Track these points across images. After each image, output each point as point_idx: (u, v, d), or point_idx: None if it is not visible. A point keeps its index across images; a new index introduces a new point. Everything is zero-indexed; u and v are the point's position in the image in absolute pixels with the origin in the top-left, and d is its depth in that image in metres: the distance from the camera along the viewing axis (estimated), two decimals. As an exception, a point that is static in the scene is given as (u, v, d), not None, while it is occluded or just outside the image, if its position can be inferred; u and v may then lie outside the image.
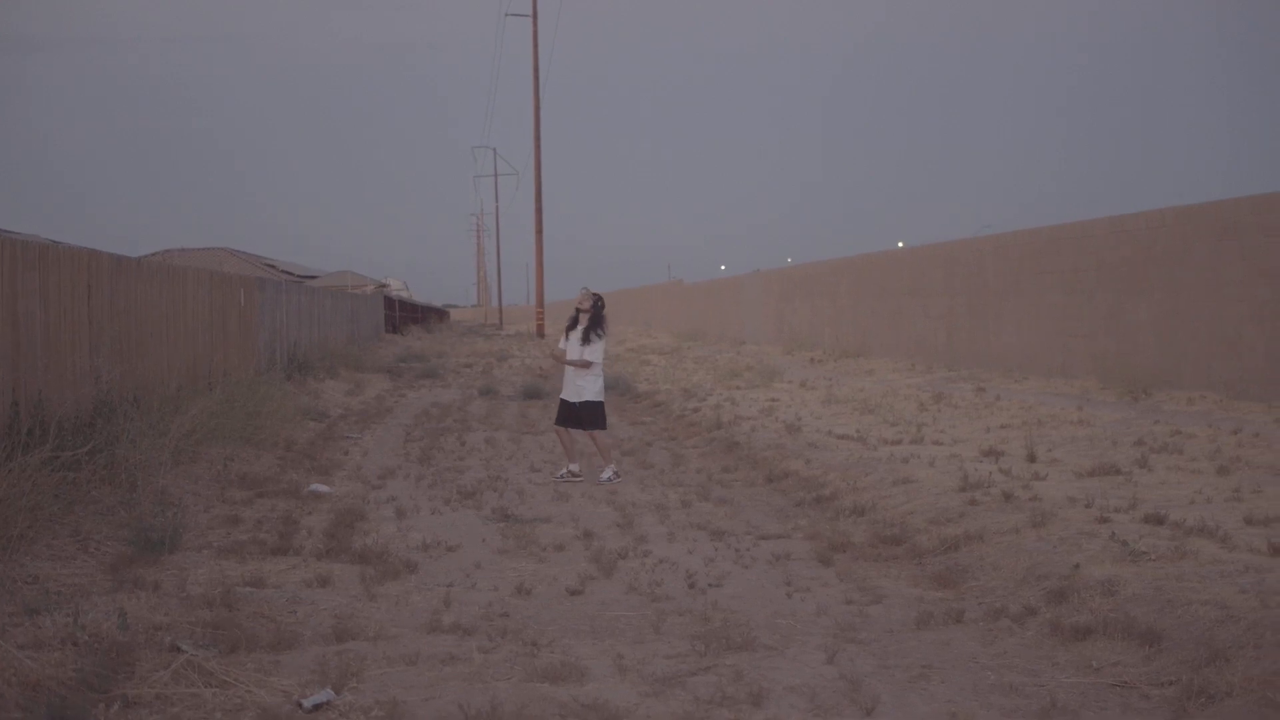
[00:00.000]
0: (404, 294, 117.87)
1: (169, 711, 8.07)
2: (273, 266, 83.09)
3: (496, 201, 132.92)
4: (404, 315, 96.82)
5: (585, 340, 19.30)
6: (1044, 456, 17.59)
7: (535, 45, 69.93)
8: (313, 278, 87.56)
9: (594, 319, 19.35)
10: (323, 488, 17.84)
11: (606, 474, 19.07)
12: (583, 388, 19.34)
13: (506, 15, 69.18)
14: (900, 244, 56.02)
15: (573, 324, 19.54)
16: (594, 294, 19.47)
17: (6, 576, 10.97)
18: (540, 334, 79.03)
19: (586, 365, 19.20)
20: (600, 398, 19.47)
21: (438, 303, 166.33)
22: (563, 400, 19.59)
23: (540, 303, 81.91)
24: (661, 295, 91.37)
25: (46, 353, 16.94)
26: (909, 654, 9.61)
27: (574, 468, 19.26)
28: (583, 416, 19.36)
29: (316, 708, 8.18)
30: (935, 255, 39.31)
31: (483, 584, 12.19)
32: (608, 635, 10.27)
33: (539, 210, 75.62)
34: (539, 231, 76.03)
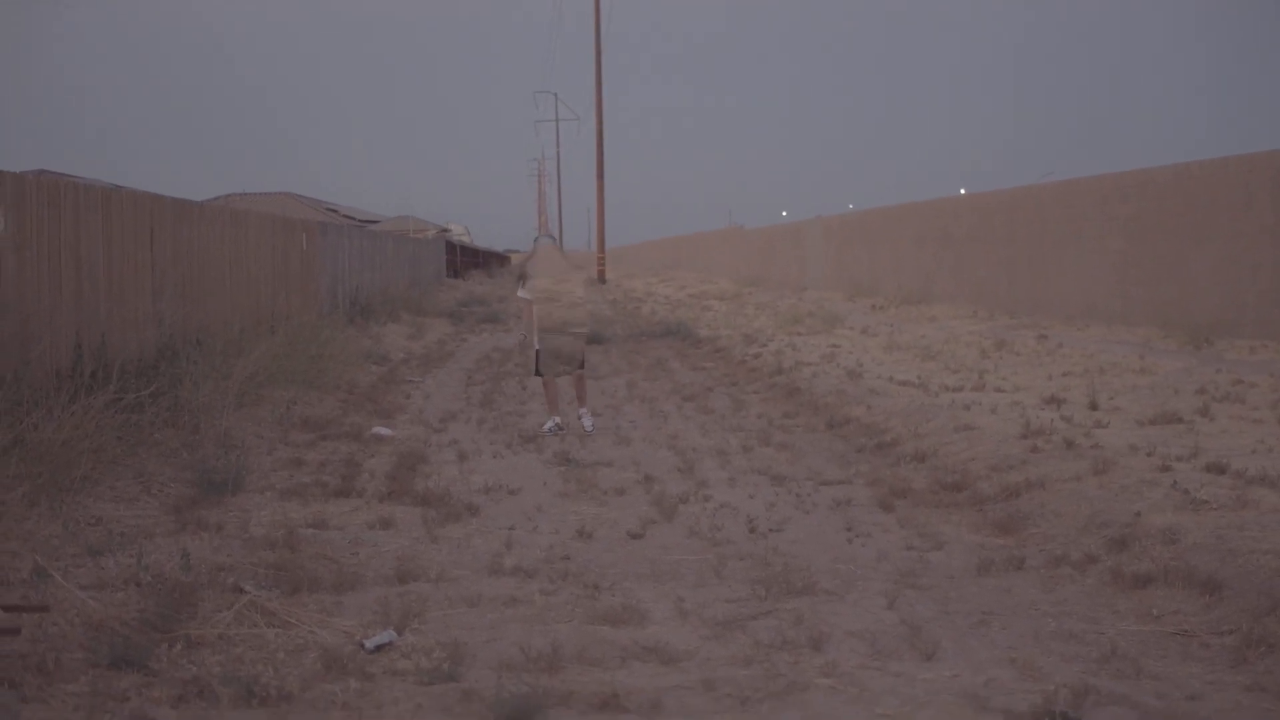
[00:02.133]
0: (465, 239, 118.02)
1: (231, 652, 8.13)
2: (334, 211, 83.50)
3: (558, 146, 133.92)
4: (465, 260, 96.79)
5: None
6: (1106, 404, 17.50)
7: (597, -11, 69.74)
8: (374, 222, 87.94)
9: None
10: (385, 431, 17.92)
11: (588, 421, 18.46)
12: None
13: (568, -42, 68.94)
14: (962, 190, 55.76)
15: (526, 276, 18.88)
16: (549, 236, 19.00)
17: (70, 518, 11.07)
18: (601, 279, 78.90)
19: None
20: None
21: (499, 247, 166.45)
22: (538, 351, 18.70)
23: (601, 247, 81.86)
24: (721, 241, 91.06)
25: (109, 297, 17.07)
26: (969, 600, 9.60)
27: (559, 420, 18.44)
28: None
29: (379, 648, 8.23)
30: (997, 201, 39.11)
31: (544, 527, 12.23)
32: (668, 579, 10.29)
33: (600, 155, 75.57)
34: (600, 176, 76.00)
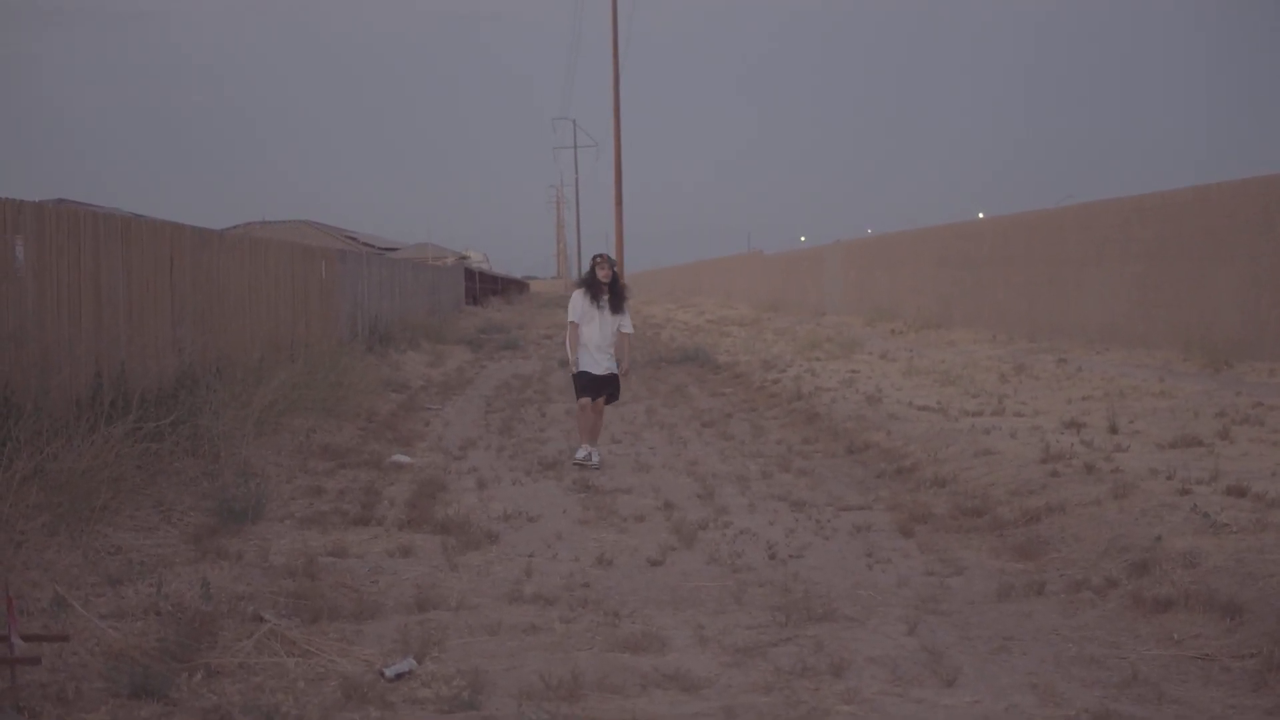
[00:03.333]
0: (484, 266, 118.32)
1: (252, 681, 8.14)
2: (354, 239, 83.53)
3: (576, 173, 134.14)
4: (484, 287, 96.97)
5: (617, 310, 18.02)
6: (1126, 428, 17.45)
7: (614, 14, 69.76)
8: (393, 250, 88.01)
9: (618, 287, 18.12)
10: (404, 458, 17.92)
11: (595, 457, 17.66)
12: (610, 360, 18.02)
13: (586, -14, 69.32)
14: (981, 214, 55.73)
15: (594, 294, 18.01)
16: (609, 258, 18.10)
17: (90, 547, 11.08)
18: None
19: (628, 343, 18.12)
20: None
21: (517, 274, 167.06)
22: (585, 373, 17.95)
23: (620, 274, 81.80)
24: (741, 266, 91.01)
25: (129, 325, 17.09)
26: (990, 626, 9.59)
27: (591, 450, 17.74)
28: (608, 388, 18.05)
29: (399, 677, 8.24)
30: (1016, 225, 39.04)
31: (564, 554, 12.23)
32: (689, 606, 10.29)
33: (618, 182, 75.60)
34: (619, 203, 76.00)
